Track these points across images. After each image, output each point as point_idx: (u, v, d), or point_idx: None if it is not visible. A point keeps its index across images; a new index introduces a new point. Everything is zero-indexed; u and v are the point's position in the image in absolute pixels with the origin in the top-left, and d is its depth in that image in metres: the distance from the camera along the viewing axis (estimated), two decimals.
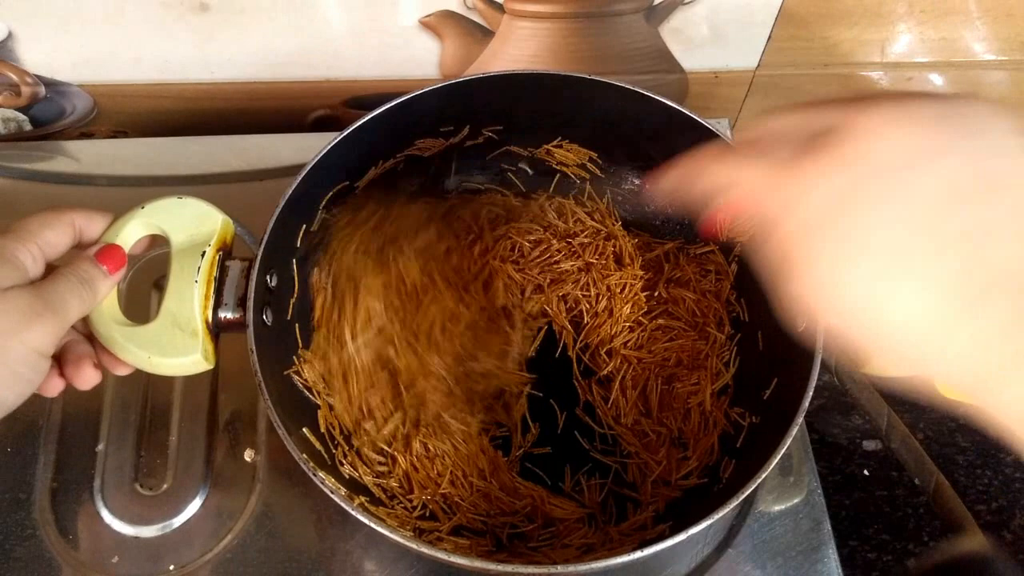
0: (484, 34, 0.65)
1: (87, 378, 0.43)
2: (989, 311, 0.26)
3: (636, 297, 0.59)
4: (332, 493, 0.43)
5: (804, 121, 0.31)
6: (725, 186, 0.33)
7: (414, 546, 0.42)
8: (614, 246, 0.61)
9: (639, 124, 0.58)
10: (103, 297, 0.43)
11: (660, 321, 0.58)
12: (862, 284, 0.28)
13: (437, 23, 0.63)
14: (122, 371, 0.45)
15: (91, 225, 0.44)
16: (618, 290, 0.59)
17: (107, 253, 0.43)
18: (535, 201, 0.62)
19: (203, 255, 0.47)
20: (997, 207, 0.27)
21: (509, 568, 0.41)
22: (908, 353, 0.28)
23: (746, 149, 0.32)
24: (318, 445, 0.49)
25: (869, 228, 0.28)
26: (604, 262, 0.60)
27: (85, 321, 0.44)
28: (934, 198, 0.27)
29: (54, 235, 0.42)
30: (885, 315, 0.28)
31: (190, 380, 0.52)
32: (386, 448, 0.52)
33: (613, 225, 0.62)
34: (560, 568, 0.41)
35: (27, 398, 0.39)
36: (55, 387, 0.43)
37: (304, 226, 0.54)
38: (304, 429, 0.49)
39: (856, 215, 0.28)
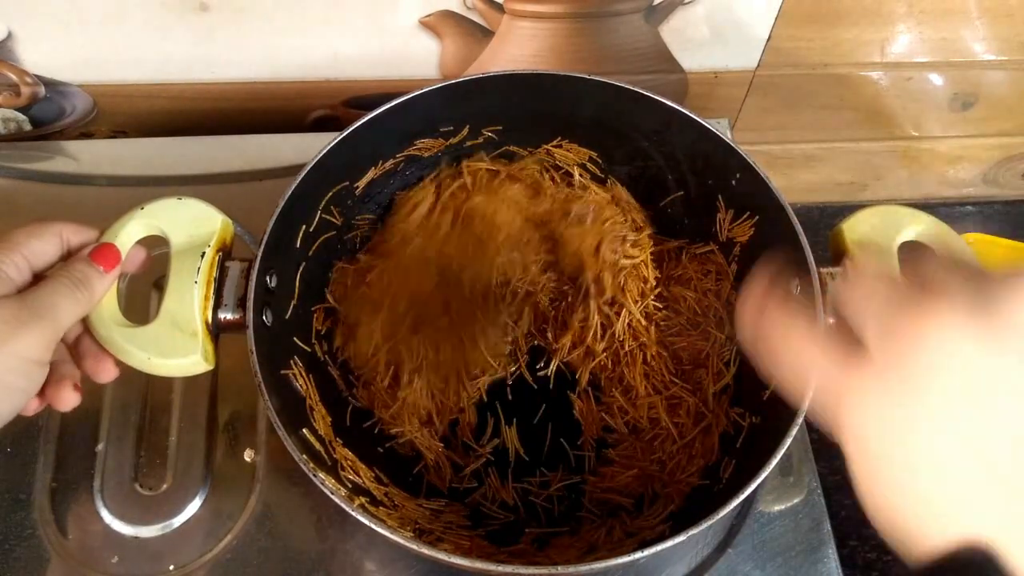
0: (484, 34, 0.65)
1: (67, 400, 0.42)
2: None
3: (647, 274, 0.59)
4: (332, 494, 0.43)
5: (885, 303, 0.29)
6: (793, 363, 0.32)
7: (414, 547, 0.42)
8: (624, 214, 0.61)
9: (639, 124, 0.58)
10: (100, 296, 0.43)
11: (665, 312, 0.58)
12: (917, 501, 0.27)
13: (437, 23, 0.63)
14: (107, 379, 0.44)
15: (78, 236, 0.44)
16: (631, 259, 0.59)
17: (102, 252, 0.43)
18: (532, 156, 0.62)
19: (203, 256, 0.47)
20: None
21: (509, 568, 0.41)
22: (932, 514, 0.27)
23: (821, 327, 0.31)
24: (318, 446, 0.49)
25: (928, 453, 0.27)
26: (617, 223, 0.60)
27: (85, 322, 0.44)
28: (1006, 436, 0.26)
29: (40, 244, 0.41)
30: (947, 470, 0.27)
31: (190, 380, 0.52)
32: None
33: (623, 196, 0.62)
34: (560, 568, 0.41)
35: (21, 408, 0.39)
36: (32, 407, 0.42)
37: (304, 226, 0.54)
38: (304, 430, 0.49)
39: (917, 437, 0.27)
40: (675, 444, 0.54)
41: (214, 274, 0.47)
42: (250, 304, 0.46)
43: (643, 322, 0.58)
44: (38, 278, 0.41)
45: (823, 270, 0.49)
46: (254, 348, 0.45)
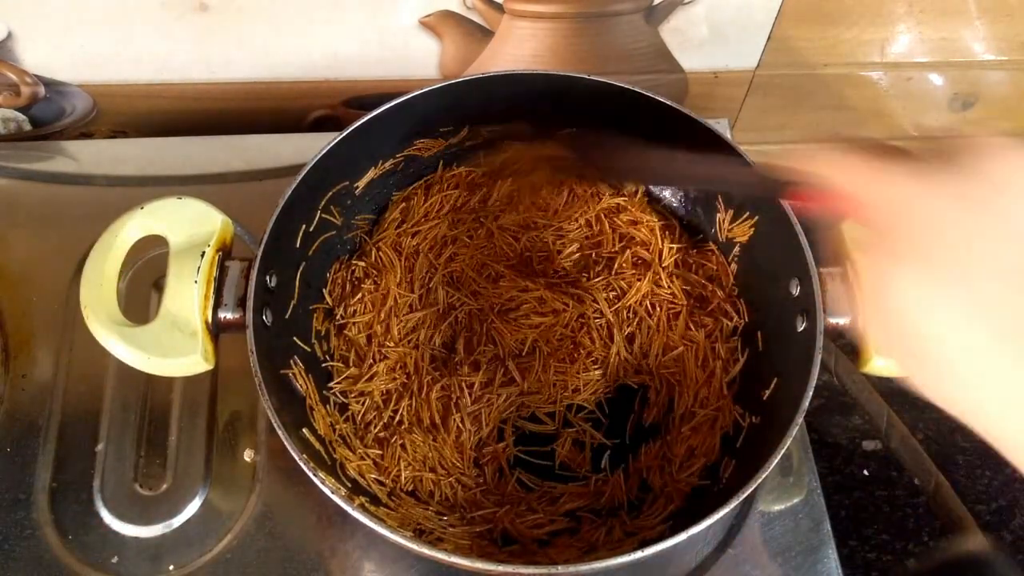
0: (484, 34, 0.65)
1: None
2: None
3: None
4: (332, 493, 0.43)
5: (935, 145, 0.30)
6: (839, 170, 0.31)
7: (414, 547, 0.42)
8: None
9: (639, 124, 0.58)
10: None
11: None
12: (944, 304, 0.27)
13: (437, 23, 0.63)
14: None
15: None
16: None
17: None
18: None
19: (202, 255, 0.47)
20: None
21: (509, 568, 0.41)
22: (956, 387, 0.28)
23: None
24: (318, 445, 0.49)
25: (970, 250, 0.27)
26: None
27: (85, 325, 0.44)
28: None
29: None
30: (954, 341, 0.27)
31: (190, 380, 0.52)
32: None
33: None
34: (561, 568, 0.41)
35: None
36: None
37: (304, 226, 0.54)
38: (304, 430, 0.49)
39: (964, 232, 0.27)
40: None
41: (214, 274, 0.47)
42: (250, 304, 0.46)
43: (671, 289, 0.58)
44: None
45: (823, 270, 0.49)
46: (254, 348, 0.45)
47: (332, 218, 0.56)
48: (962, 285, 0.27)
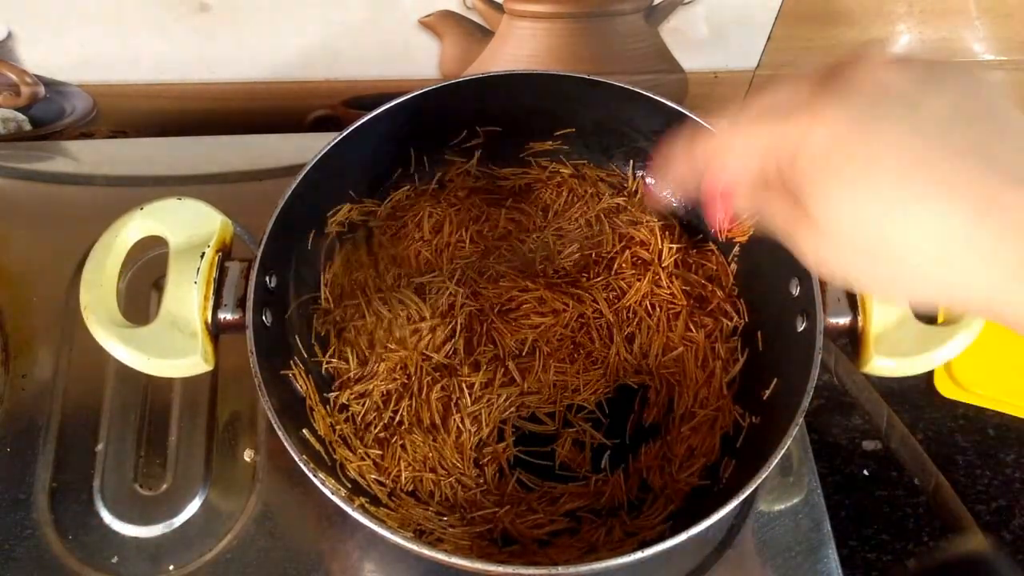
0: (484, 34, 0.65)
1: None
2: (1006, 213, 0.27)
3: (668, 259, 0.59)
4: (332, 494, 0.43)
5: (798, 80, 0.33)
6: (727, 150, 0.33)
7: (414, 547, 0.42)
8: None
9: (639, 124, 0.58)
10: None
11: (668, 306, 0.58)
12: (882, 203, 0.29)
13: (437, 23, 0.63)
14: None
15: None
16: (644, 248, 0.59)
17: None
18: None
19: (202, 256, 0.47)
20: (1001, 123, 0.29)
21: (509, 569, 0.41)
22: (927, 271, 0.29)
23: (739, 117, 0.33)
24: (318, 446, 0.49)
25: (885, 146, 0.29)
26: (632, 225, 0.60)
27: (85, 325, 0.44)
28: (941, 116, 0.29)
29: None
30: (906, 233, 0.29)
31: (190, 380, 0.52)
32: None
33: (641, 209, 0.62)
34: (561, 569, 0.41)
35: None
36: None
37: (304, 226, 0.54)
38: (304, 430, 0.49)
39: (871, 136, 0.29)
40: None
41: (214, 274, 0.47)
42: (250, 304, 0.46)
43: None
44: None
45: None
46: (254, 348, 0.45)
47: (331, 218, 0.56)
48: (924, 184, 0.28)
